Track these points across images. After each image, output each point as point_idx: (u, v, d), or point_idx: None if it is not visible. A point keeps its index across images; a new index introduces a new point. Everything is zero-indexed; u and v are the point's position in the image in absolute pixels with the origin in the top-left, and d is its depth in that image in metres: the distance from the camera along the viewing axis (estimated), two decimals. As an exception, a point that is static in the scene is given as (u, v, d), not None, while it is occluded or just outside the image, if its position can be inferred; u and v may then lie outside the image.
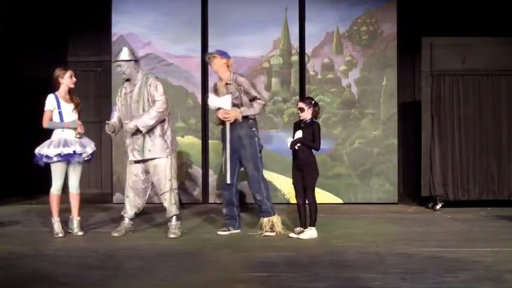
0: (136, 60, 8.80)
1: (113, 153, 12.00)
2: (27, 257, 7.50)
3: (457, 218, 10.11)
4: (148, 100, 8.62)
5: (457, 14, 12.37)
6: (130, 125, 8.56)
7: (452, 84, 11.17)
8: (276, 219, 8.86)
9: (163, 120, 8.71)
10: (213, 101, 8.81)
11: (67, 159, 8.61)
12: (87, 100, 12.53)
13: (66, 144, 8.58)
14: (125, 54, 8.72)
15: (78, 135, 8.70)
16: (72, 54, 13.67)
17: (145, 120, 8.51)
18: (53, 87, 8.81)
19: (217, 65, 8.88)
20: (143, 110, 8.60)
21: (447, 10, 12.43)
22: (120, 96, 8.89)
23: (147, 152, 8.65)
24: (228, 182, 8.82)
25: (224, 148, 8.86)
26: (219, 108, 8.74)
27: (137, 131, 8.58)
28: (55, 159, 8.55)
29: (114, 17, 12.04)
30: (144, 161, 8.74)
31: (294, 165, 8.64)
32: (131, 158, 8.78)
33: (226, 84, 8.82)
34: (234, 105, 8.74)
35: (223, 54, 8.92)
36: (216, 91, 8.96)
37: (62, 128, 8.65)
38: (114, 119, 8.84)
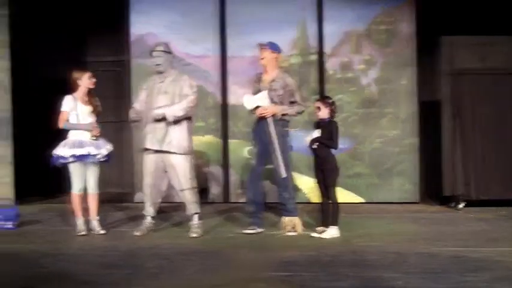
0: (173, 56, 8.92)
1: (134, 153, 12.04)
2: (48, 256, 7.53)
3: (479, 218, 10.06)
4: (178, 94, 8.63)
5: (476, 13, 12.29)
6: (158, 111, 8.54)
7: (472, 83, 11.13)
8: (298, 220, 8.85)
9: (190, 119, 8.75)
10: (249, 101, 8.78)
11: (81, 160, 8.64)
12: (105, 100, 12.47)
13: (80, 145, 8.61)
14: (165, 46, 8.83)
15: (93, 138, 8.72)
16: (90, 54, 13.69)
17: (175, 110, 8.52)
18: (71, 88, 8.83)
19: (267, 58, 8.82)
20: (171, 103, 8.60)
21: (466, 8, 12.36)
22: (145, 89, 8.91)
23: (166, 144, 8.62)
24: (284, 175, 8.72)
25: (270, 143, 8.68)
26: (256, 107, 8.73)
27: (163, 120, 8.58)
28: (70, 159, 8.59)
29: (132, 17, 12.10)
30: (161, 157, 8.71)
31: (315, 164, 8.64)
32: (148, 146, 8.72)
33: (273, 80, 8.80)
34: (273, 102, 8.71)
35: (274, 47, 8.88)
36: (257, 81, 8.91)
37: (77, 129, 8.68)
38: (138, 108, 8.89)
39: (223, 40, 12.07)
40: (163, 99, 8.66)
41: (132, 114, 8.88)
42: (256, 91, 8.81)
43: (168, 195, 9.11)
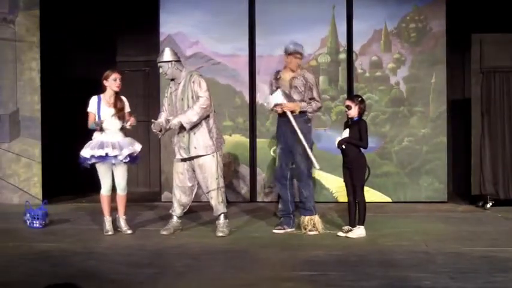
0: (177, 60, 8.83)
1: (161, 152, 12.09)
2: (76, 254, 7.59)
3: (507, 217, 9.97)
4: (192, 97, 8.62)
5: (507, 10, 12.19)
6: (174, 121, 8.57)
7: (503, 81, 11.03)
8: (317, 219, 8.83)
9: (208, 117, 8.71)
10: (269, 100, 8.75)
11: (102, 161, 8.66)
12: (135, 99, 12.61)
13: (100, 146, 8.60)
14: (164, 56, 8.78)
15: (130, 126, 8.73)
16: (121, 54, 13.79)
17: (189, 116, 8.51)
18: (101, 88, 8.88)
19: (297, 61, 8.82)
20: (188, 107, 8.62)
21: (497, 6, 12.26)
22: (166, 96, 8.96)
23: (193, 150, 8.65)
24: (317, 167, 8.67)
25: (296, 138, 8.62)
26: (275, 106, 8.68)
27: (181, 128, 8.60)
28: (92, 160, 8.63)
29: (162, 17, 12.12)
30: (190, 159, 8.75)
31: (343, 163, 8.61)
32: (178, 156, 8.81)
33: (294, 77, 8.76)
34: (293, 99, 8.67)
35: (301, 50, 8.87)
36: (276, 80, 8.84)
37: (97, 125, 8.66)
38: (161, 119, 8.88)
39: (252, 39, 12.06)
40: (180, 106, 8.70)
41: (154, 129, 8.82)
42: (275, 89, 8.78)
43: (196, 194, 9.12)
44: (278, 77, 8.87)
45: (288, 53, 8.78)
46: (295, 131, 8.55)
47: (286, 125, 8.64)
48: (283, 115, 8.66)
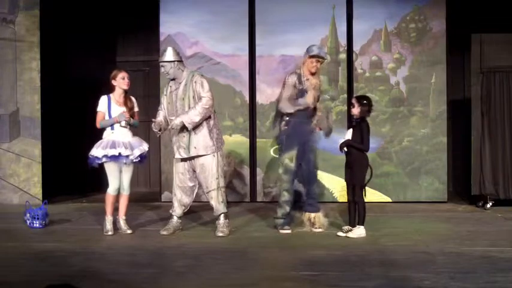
0: (179, 60, 8.83)
1: (161, 152, 12.08)
2: (77, 254, 7.59)
3: (507, 217, 9.95)
4: (193, 97, 8.62)
5: (507, 10, 12.20)
6: (176, 121, 8.57)
7: (503, 81, 11.01)
8: (322, 217, 8.91)
9: (209, 118, 8.71)
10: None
11: (114, 160, 8.67)
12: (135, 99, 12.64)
13: (113, 146, 8.62)
14: (167, 55, 8.75)
15: (128, 120, 8.72)
16: (121, 55, 13.78)
17: (192, 116, 8.51)
18: (108, 88, 8.87)
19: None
20: (189, 107, 8.60)
21: (497, 6, 12.27)
22: (165, 95, 8.94)
23: (193, 150, 8.65)
24: None
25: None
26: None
27: (183, 128, 8.59)
28: (103, 160, 8.62)
29: (162, 17, 12.11)
30: (190, 159, 8.75)
31: (345, 162, 8.63)
32: (177, 156, 8.80)
33: (318, 83, 8.97)
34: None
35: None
36: (301, 82, 8.80)
37: (112, 123, 8.69)
38: (160, 117, 8.88)
39: (252, 39, 12.05)
40: (181, 105, 8.69)
41: (154, 128, 8.83)
42: (301, 93, 8.79)
43: (196, 194, 9.11)
44: (303, 80, 8.82)
45: (311, 55, 8.79)
46: (313, 131, 8.82)
47: (304, 124, 8.75)
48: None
